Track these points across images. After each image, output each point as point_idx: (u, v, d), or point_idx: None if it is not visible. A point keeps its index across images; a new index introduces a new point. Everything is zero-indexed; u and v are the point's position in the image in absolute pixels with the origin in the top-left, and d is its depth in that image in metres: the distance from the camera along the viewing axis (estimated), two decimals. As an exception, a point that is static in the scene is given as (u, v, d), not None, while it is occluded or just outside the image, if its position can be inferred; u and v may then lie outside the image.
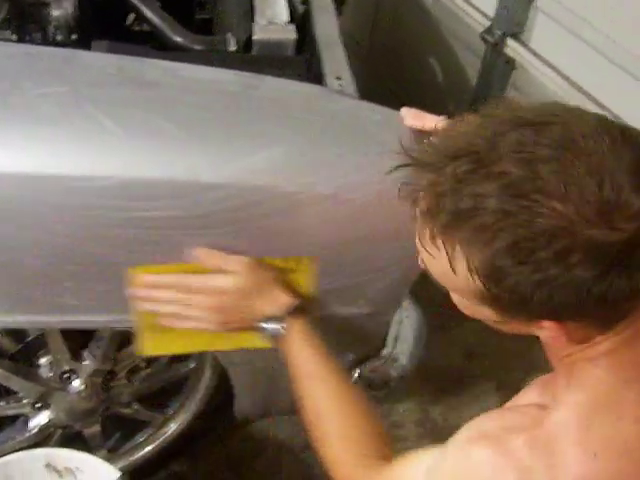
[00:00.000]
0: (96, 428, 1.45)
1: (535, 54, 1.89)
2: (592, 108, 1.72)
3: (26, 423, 1.42)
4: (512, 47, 1.92)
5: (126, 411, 1.47)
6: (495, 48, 1.95)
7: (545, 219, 0.63)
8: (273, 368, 1.23)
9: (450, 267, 0.70)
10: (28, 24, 1.44)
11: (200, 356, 1.39)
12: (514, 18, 1.89)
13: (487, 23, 1.96)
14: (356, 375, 1.30)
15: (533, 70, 1.89)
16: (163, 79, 1.07)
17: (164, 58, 1.15)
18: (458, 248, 0.68)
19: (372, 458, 0.96)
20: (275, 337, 1.06)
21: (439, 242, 0.70)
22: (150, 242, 1.02)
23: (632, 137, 0.67)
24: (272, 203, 1.02)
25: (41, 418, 1.41)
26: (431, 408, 1.83)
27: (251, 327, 1.07)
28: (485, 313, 0.76)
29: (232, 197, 0.99)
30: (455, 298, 0.79)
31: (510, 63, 1.96)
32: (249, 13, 1.45)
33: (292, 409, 1.43)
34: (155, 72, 1.08)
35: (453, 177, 0.67)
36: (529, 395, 0.87)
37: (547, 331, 0.72)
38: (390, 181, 1.04)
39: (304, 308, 1.07)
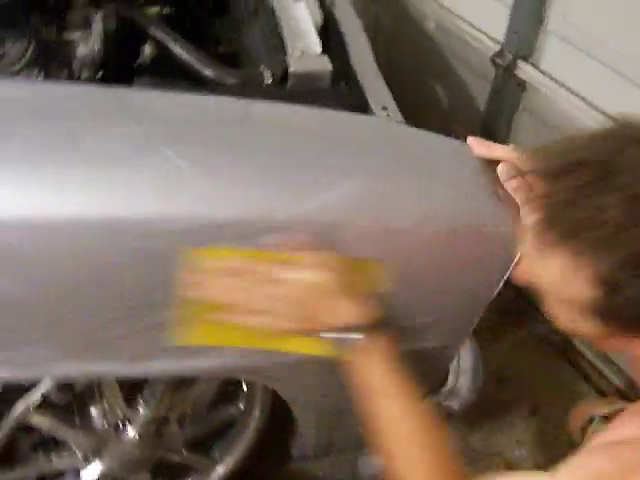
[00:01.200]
0: (145, 477, 1.39)
1: (547, 75, 1.90)
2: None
3: (77, 475, 1.36)
4: (523, 69, 1.93)
5: (175, 457, 1.41)
6: (506, 71, 1.96)
7: None
8: (339, 407, 1.19)
9: (567, 276, 0.72)
10: (54, 62, 1.40)
11: (249, 396, 1.35)
12: (525, 41, 1.90)
13: (496, 47, 1.97)
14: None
15: (545, 91, 1.90)
16: (230, 116, 1.04)
17: (203, 92, 1.13)
18: (579, 256, 0.71)
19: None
20: (348, 348, 0.95)
21: (558, 251, 0.72)
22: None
23: None
24: (347, 236, 0.99)
25: (93, 470, 1.34)
26: (468, 435, 1.80)
27: (323, 332, 0.97)
28: (590, 327, 0.77)
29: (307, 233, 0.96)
30: (560, 310, 0.80)
31: (521, 85, 1.96)
32: (280, 45, 1.43)
33: (355, 447, 1.40)
34: (225, 109, 1.05)
35: (574, 187, 0.70)
36: (629, 427, 0.84)
37: None
38: (463, 213, 1.04)
39: (381, 321, 0.98)
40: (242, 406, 1.39)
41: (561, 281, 0.74)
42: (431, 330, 1.13)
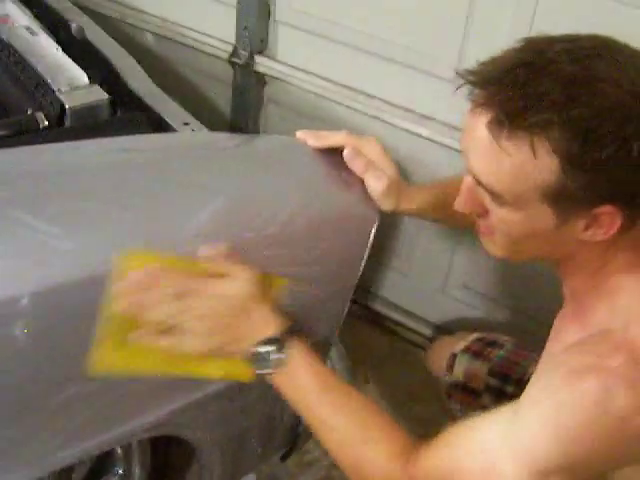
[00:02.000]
0: None
1: (285, 64, 1.95)
2: (361, 99, 1.84)
3: None
4: (261, 63, 1.96)
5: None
6: (245, 68, 1.97)
7: (603, 99, 0.76)
8: (240, 429, 1.13)
9: (526, 164, 0.79)
10: None
11: (126, 457, 1.23)
12: (256, 36, 1.93)
13: (229, 47, 1.98)
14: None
15: (287, 79, 1.95)
16: (69, 162, 0.92)
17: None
18: (535, 139, 0.77)
19: (402, 452, 0.94)
20: (271, 361, 0.93)
21: (517, 139, 0.78)
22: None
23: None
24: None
25: None
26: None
27: (241, 351, 0.93)
28: (541, 218, 0.83)
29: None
30: (507, 215, 0.86)
31: (262, 79, 2.00)
32: (42, 83, 1.30)
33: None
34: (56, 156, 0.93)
35: (514, 84, 0.77)
36: (571, 332, 0.92)
37: (600, 219, 0.81)
38: (322, 205, 1.05)
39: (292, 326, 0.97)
40: (120, 471, 1.26)
41: (519, 170, 0.80)
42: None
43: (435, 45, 1.71)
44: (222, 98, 2.09)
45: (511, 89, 0.78)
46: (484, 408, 1.33)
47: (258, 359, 0.93)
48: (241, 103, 2.07)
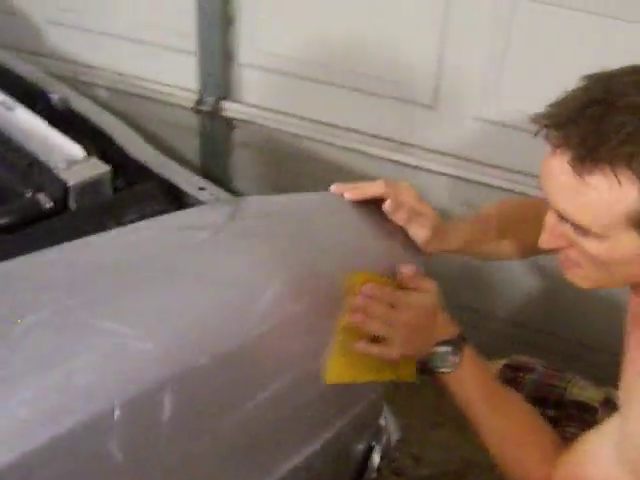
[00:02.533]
0: None
1: (251, 106, 1.92)
2: (339, 133, 1.83)
3: None
4: (228, 108, 1.92)
5: None
6: (212, 115, 1.93)
7: None
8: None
9: (612, 193, 0.81)
10: None
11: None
12: (221, 81, 1.89)
13: (194, 96, 1.93)
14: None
15: (258, 121, 1.92)
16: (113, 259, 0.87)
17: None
18: (617, 169, 0.80)
19: (552, 457, 1.02)
20: (448, 361, 1.03)
21: (600, 172, 0.81)
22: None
23: None
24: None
25: None
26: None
27: (425, 353, 1.03)
28: (628, 243, 0.85)
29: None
30: (593, 245, 0.88)
31: (230, 124, 1.96)
32: (36, 162, 1.23)
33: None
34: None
35: (590, 121, 0.80)
36: None
37: None
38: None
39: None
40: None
41: (607, 204, 0.82)
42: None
43: (408, 73, 1.71)
44: (189, 146, 2.04)
45: (587, 126, 0.81)
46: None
47: (437, 358, 1.03)
48: (210, 150, 2.02)
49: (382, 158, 1.80)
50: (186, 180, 1.19)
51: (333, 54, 1.78)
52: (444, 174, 1.77)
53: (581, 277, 0.97)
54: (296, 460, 1.03)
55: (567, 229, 0.90)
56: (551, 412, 1.35)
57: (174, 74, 1.94)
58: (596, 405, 1.28)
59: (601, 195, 0.83)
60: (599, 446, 0.97)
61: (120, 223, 1.09)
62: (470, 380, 1.04)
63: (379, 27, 1.70)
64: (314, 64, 1.81)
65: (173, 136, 2.04)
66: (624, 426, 0.94)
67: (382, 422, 1.22)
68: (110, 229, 1.04)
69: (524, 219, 1.17)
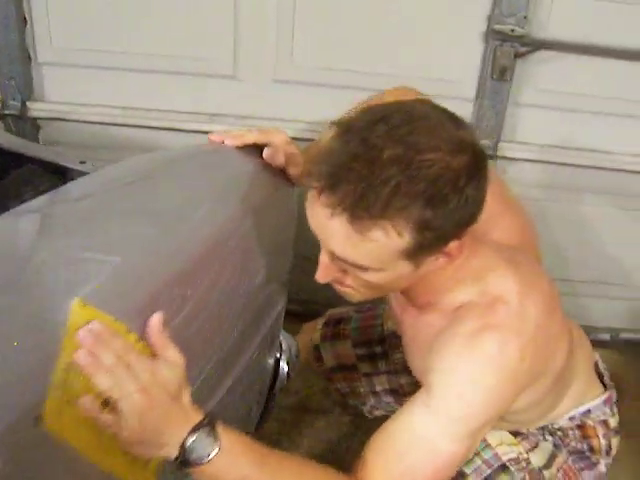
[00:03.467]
0: None
1: (59, 103, 1.96)
2: (153, 115, 1.94)
3: None
4: (34, 108, 1.95)
5: None
6: (19, 118, 1.95)
7: (432, 168, 0.86)
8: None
9: (392, 237, 0.88)
10: None
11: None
12: (24, 82, 1.92)
13: (-6, 100, 1.93)
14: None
15: (66, 117, 1.96)
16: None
17: None
18: (388, 223, 0.87)
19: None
20: (210, 447, 0.85)
21: (378, 226, 0.87)
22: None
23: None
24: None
25: None
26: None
27: (173, 443, 0.84)
28: (401, 269, 0.94)
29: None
30: (369, 276, 0.94)
31: (35, 124, 1.99)
32: None
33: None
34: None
35: (358, 180, 0.85)
36: (431, 318, 1.07)
37: (451, 252, 0.94)
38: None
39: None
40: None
41: (376, 250, 0.89)
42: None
43: (210, 49, 1.88)
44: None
45: (358, 184, 0.85)
46: (367, 376, 1.58)
47: (197, 448, 0.85)
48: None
49: (197, 131, 1.94)
50: (63, 157, 1.26)
51: (130, 41, 1.88)
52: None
53: (353, 295, 1.02)
54: (230, 381, 1.18)
55: (343, 264, 0.95)
56: (378, 348, 1.58)
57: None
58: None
59: (380, 244, 0.88)
60: (412, 427, 0.98)
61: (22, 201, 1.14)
62: (239, 456, 0.88)
63: (175, 8, 1.84)
64: (111, 53, 1.90)
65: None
66: (436, 391, 0.97)
67: (281, 337, 1.40)
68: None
69: None
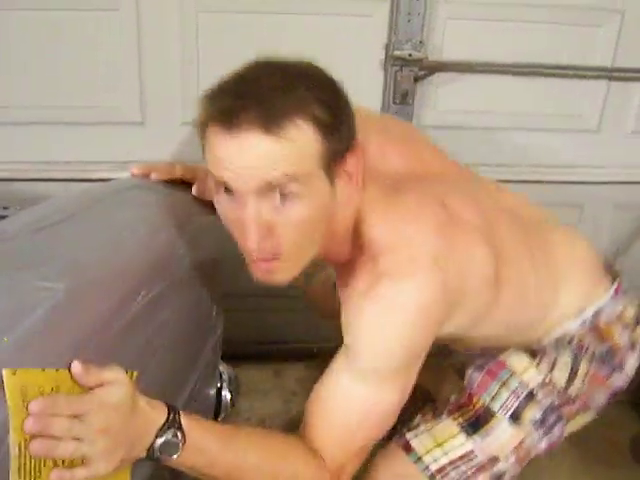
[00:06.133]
0: None
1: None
2: (59, 167, 1.89)
3: None
4: None
5: None
6: None
7: (313, 77, 0.99)
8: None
9: (302, 136, 0.92)
10: None
11: None
12: None
13: None
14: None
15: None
16: None
17: None
18: (295, 117, 0.92)
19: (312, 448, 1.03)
20: (176, 444, 0.89)
21: (287, 126, 0.91)
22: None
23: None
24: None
25: None
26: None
27: (143, 449, 0.88)
28: (322, 187, 0.97)
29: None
30: (296, 206, 0.96)
31: None
32: None
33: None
34: None
35: (255, 97, 0.93)
36: (360, 280, 1.06)
37: (350, 170, 1.00)
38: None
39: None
40: None
41: (301, 150, 0.93)
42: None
43: (116, 97, 1.87)
44: None
45: (254, 100, 0.92)
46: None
47: (165, 447, 0.89)
48: None
49: (108, 179, 1.92)
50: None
51: (33, 94, 1.86)
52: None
53: (282, 269, 1.01)
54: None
55: (270, 206, 0.95)
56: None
57: None
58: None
59: (297, 144, 0.92)
60: (338, 386, 1.03)
61: None
62: (206, 442, 0.92)
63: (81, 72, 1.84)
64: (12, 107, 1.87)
65: None
66: (352, 346, 1.02)
67: (220, 367, 1.38)
68: None
69: None
